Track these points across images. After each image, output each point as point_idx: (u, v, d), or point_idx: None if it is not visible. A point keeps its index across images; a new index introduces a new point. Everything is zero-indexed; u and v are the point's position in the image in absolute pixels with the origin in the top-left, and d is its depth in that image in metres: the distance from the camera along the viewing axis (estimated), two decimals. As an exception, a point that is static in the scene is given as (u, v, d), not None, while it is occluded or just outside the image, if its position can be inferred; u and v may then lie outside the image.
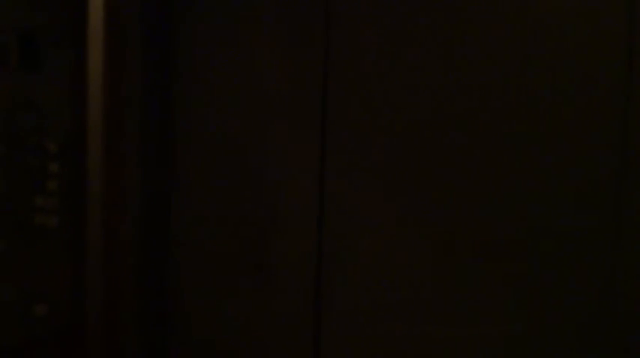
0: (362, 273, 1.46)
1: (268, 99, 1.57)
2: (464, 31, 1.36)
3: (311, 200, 1.53)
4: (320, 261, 1.50)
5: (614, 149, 1.26)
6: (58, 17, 1.49)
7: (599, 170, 1.24)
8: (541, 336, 1.30)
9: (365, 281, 1.45)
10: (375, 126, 1.44)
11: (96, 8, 1.53)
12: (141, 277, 1.65)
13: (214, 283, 1.66)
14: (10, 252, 1.44)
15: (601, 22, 1.25)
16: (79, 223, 1.57)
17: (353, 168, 1.47)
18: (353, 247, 1.47)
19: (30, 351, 1.50)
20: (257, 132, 1.59)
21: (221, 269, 1.65)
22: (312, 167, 1.54)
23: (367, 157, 1.45)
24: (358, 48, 1.47)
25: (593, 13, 1.26)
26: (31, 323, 1.51)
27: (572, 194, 1.28)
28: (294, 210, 1.55)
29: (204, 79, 1.64)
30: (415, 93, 1.40)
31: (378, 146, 1.44)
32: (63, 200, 1.54)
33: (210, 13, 1.61)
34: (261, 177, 1.59)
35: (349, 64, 1.48)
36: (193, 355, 1.70)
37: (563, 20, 1.28)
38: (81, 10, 1.52)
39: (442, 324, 1.37)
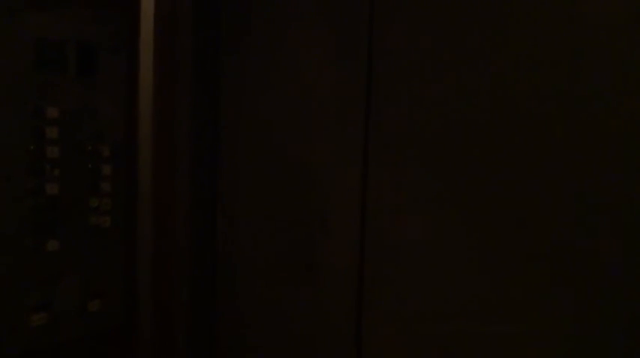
0: (404, 274, 1.46)
1: (314, 101, 1.58)
2: (510, 33, 1.33)
3: (354, 201, 1.54)
4: (362, 262, 1.51)
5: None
6: (111, 27, 1.57)
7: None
8: (592, 337, 1.27)
9: (407, 281, 1.46)
10: (417, 128, 1.44)
11: (147, 18, 1.60)
12: (191, 275, 1.70)
13: (264, 283, 1.69)
14: (66, 251, 1.52)
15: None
16: (131, 223, 1.64)
17: (395, 170, 1.47)
18: (395, 248, 1.47)
19: (85, 345, 1.57)
20: (303, 135, 1.61)
21: (271, 268, 1.67)
22: (355, 168, 1.54)
23: (410, 159, 1.45)
24: (402, 48, 1.44)
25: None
26: (86, 319, 1.58)
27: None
28: (337, 211, 1.57)
29: (251, 83, 1.68)
30: (459, 93, 1.38)
31: (420, 148, 1.44)
32: (116, 201, 1.61)
33: (257, 17, 1.66)
34: (307, 179, 1.61)
35: (392, 68, 1.48)
36: (242, 351, 1.72)
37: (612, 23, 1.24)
38: (133, 20, 1.60)
39: (487, 324, 1.36)
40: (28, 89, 1.43)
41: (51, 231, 1.51)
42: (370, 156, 1.50)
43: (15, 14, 1.39)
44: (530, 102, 1.30)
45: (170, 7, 1.62)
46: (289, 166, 1.64)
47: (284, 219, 1.65)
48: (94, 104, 1.56)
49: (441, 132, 1.41)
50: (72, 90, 1.52)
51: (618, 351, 1.22)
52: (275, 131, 1.66)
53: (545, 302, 1.30)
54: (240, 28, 1.68)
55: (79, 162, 1.55)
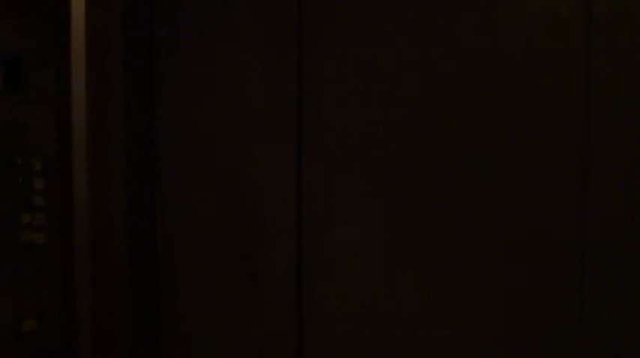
0: (341, 281, 1.50)
1: (249, 113, 1.61)
2: (435, 34, 1.38)
3: (289, 210, 1.55)
4: (300, 271, 1.54)
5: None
6: (40, 40, 1.55)
7: (565, 177, 1.31)
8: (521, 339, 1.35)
9: (344, 288, 1.49)
10: (349, 136, 1.47)
11: (78, 29, 1.57)
12: (131, 290, 1.59)
13: (206, 296, 1.64)
14: (-4, 270, 1.48)
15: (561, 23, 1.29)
16: (68, 239, 1.57)
17: (329, 179, 1.51)
18: (330, 257, 1.51)
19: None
20: (238, 146, 1.61)
21: (212, 281, 1.63)
22: (290, 177, 1.55)
23: (343, 168, 1.49)
24: (329, 55, 1.48)
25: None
26: (20, 341, 1.51)
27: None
28: (273, 220, 1.57)
29: (187, 93, 1.64)
30: (387, 100, 1.42)
31: (352, 157, 1.48)
32: (50, 216, 1.55)
33: (192, 29, 1.63)
34: (244, 190, 1.60)
35: (322, 74, 1.49)
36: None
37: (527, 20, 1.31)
38: (63, 32, 1.57)
39: (422, 329, 1.40)
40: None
41: (-22, 247, 1.47)
42: (304, 167, 1.53)
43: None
44: (453, 106, 1.36)
45: (101, 19, 1.58)
46: (226, 179, 1.62)
47: (222, 231, 1.61)
48: (23, 118, 1.53)
49: (369, 142, 1.45)
50: (-1, 105, 1.50)
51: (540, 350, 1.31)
52: (212, 143, 1.61)
53: (477, 306, 1.35)
54: (174, 38, 1.62)
55: (8, 176, 1.51)
